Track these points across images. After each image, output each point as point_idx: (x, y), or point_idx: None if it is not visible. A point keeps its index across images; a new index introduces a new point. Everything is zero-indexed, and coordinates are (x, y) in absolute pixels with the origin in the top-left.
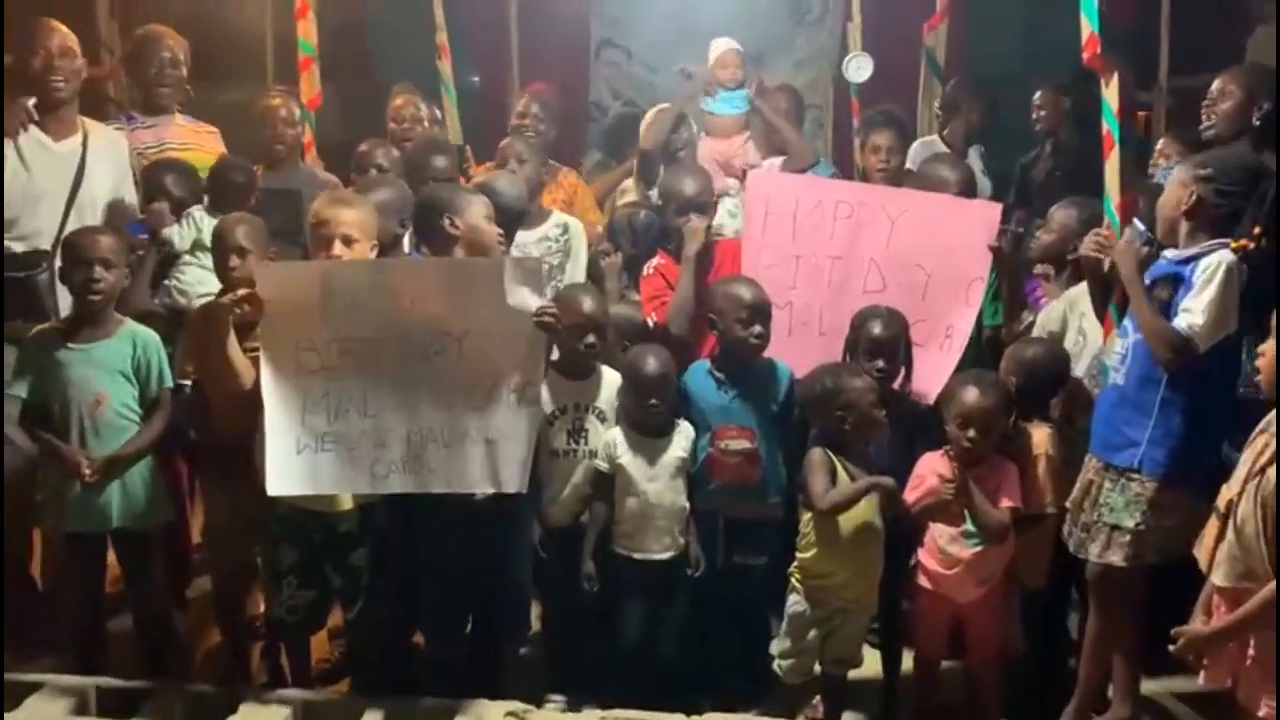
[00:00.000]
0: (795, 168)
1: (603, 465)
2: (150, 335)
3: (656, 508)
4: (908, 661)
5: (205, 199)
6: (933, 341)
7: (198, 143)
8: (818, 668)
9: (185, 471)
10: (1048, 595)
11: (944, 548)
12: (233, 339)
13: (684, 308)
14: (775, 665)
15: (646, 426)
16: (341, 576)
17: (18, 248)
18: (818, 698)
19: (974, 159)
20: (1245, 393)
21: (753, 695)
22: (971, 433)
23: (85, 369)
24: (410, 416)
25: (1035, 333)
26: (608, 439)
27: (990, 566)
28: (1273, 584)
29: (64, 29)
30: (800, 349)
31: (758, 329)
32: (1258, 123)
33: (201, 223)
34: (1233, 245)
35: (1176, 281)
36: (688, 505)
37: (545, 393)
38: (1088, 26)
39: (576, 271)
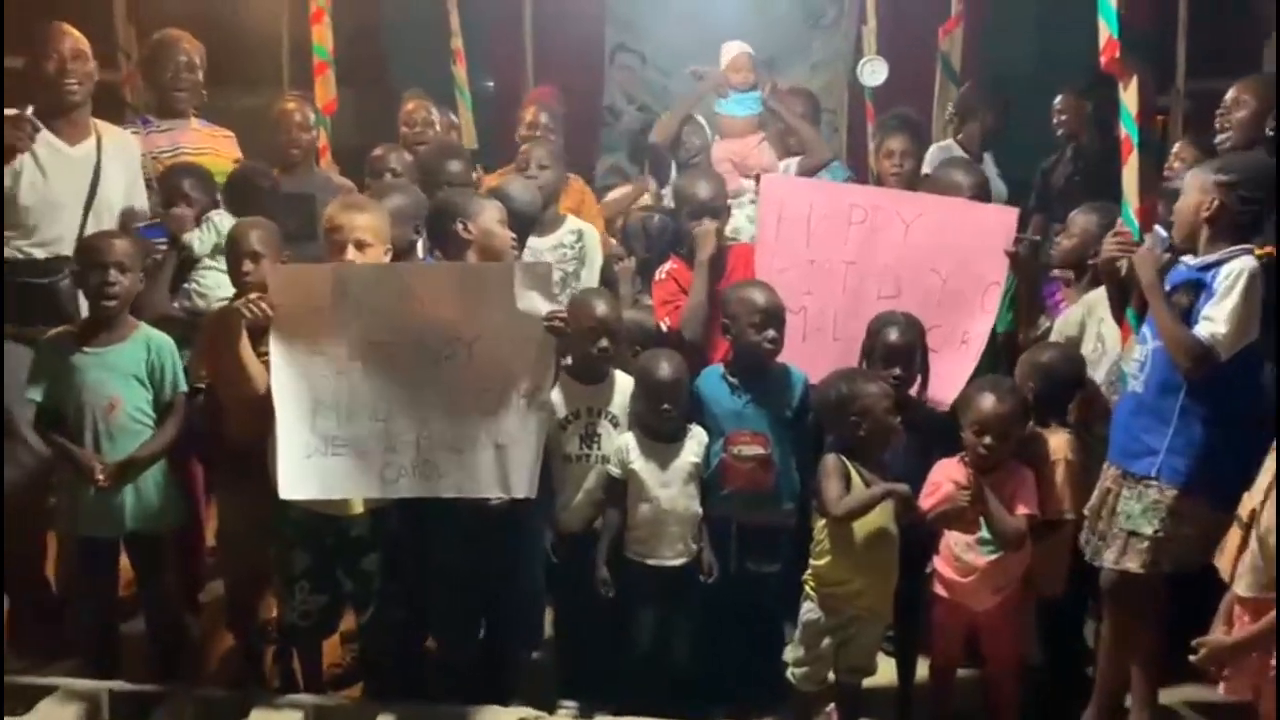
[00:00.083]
0: (812, 165)
1: (615, 471)
2: (164, 339)
3: (669, 513)
4: (923, 669)
5: (230, 204)
6: (948, 347)
7: (213, 147)
8: (832, 676)
9: (200, 475)
10: (1065, 603)
11: (960, 555)
12: (245, 343)
13: (697, 313)
14: (789, 673)
15: (659, 432)
16: (353, 581)
17: (39, 254)
18: (831, 706)
19: (988, 164)
20: None
21: (766, 703)
22: (988, 439)
23: (100, 373)
24: (420, 421)
25: (1053, 338)
26: (620, 444)
27: (1006, 574)
28: None
29: (75, 32)
30: (814, 354)
31: (771, 334)
32: (1271, 133)
33: (221, 227)
34: (1257, 252)
35: (1198, 288)
36: (700, 511)
37: (558, 397)
38: (1106, 30)
39: (591, 278)
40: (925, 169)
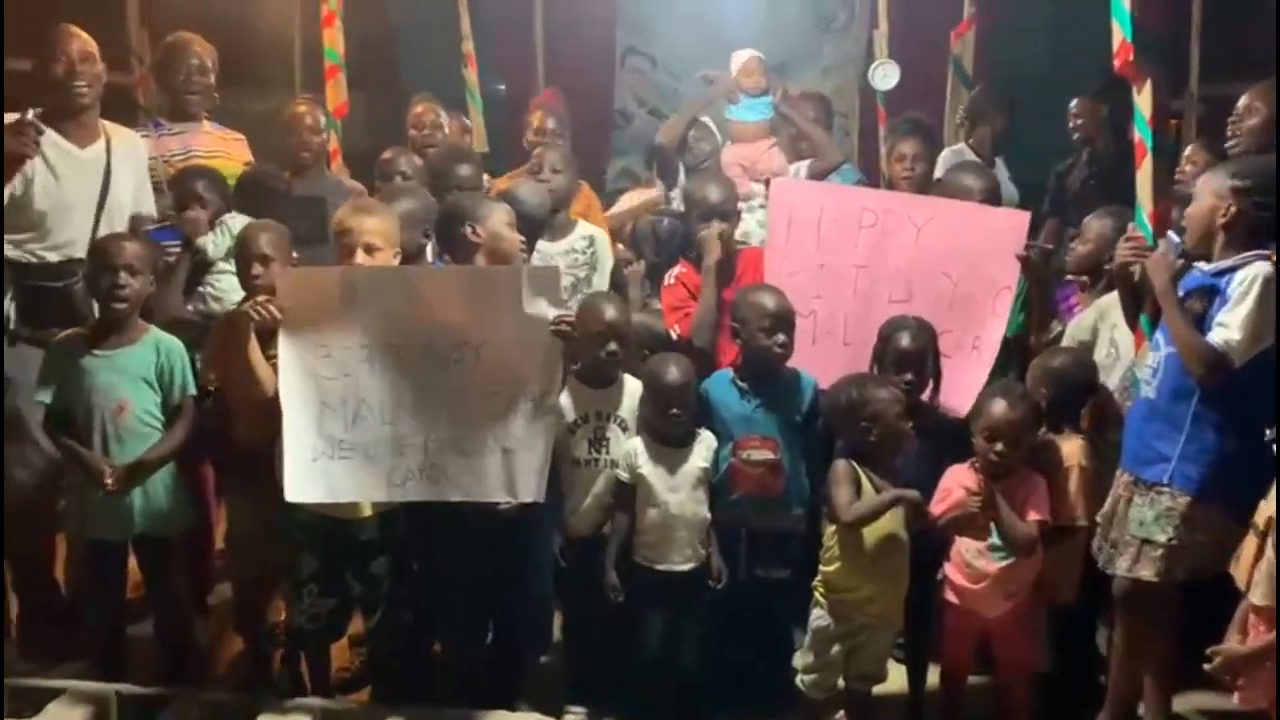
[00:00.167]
0: (823, 168)
1: (623, 475)
2: (173, 342)
3: (677, 518)
4: (933, 676)
5: (244, 206)
6: (960, 352)
7: (225, 150)
8: (841, 682)
9: (211, 478)
10: (1077, 610)
11: (971, 561)
12: (254, 346)
13: (707, 320)
14: (798, 679)
15: (667, 436)
16: (362, 584)
17: (52, 257)
18: (841, 713)
19: (999, 168)
20: None
21: (775, 710)
22: (999, 446)
23: (109, 375)
24: (428, 424)
25: (1065, 343)
26: (628, 449)
27: (1018, 580)
28: None
29: (84, 34)
30: (824, 359)
31: (781, 338)
32: None
33: (235, 230)
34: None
35: (1212, 293)
36: (709, 516)
37: (566, 401)
38: (1119, 33)
39: (602, 283)
40: (937, 173)
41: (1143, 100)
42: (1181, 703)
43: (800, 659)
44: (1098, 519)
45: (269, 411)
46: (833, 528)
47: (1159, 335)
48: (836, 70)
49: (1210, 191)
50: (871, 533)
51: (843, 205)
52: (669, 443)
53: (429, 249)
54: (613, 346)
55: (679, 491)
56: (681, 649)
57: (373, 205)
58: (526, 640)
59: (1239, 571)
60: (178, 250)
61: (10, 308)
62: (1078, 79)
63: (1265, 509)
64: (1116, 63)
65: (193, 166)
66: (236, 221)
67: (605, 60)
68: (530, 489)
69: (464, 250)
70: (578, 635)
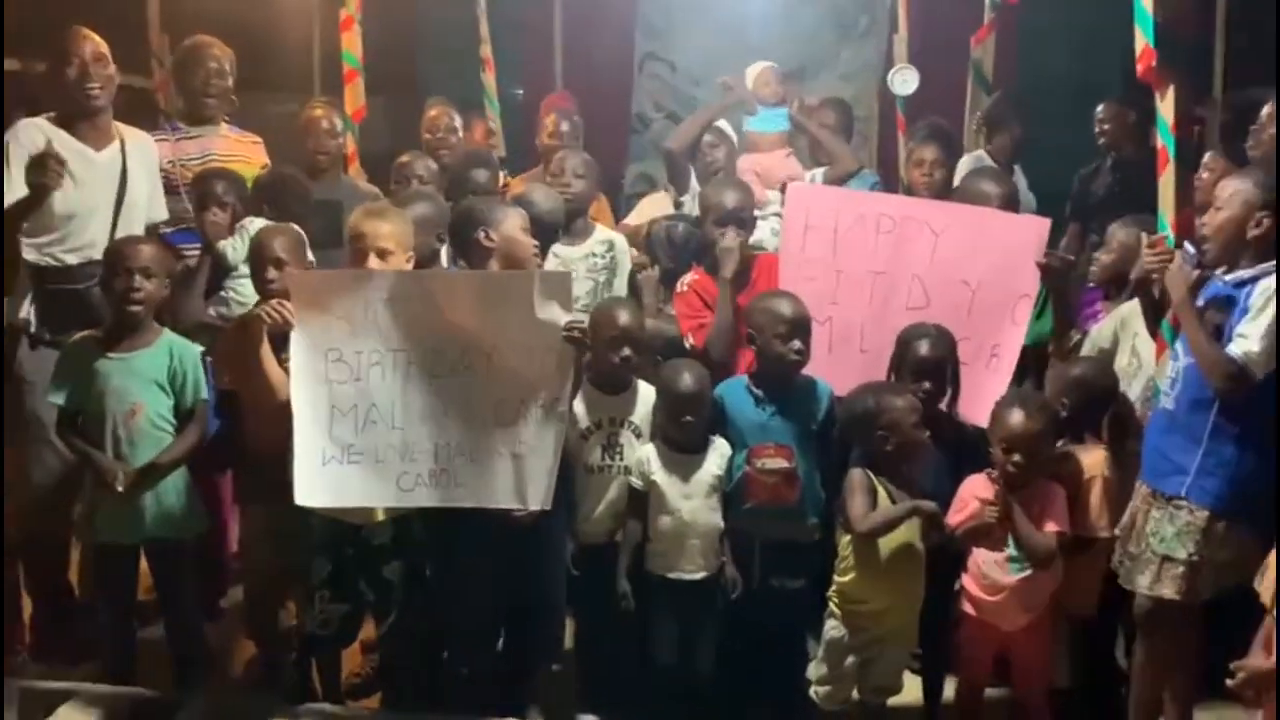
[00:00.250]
0: (838, 175)
1: (636, 482)
2: (187, 346)
3: (690, 526)
4: (950, 689)
5: (265, 209)
6: (978, 360)
7: (243, 153)
8: (856, 694)
9: (227, 482)
10: (1097, 622)
11: (988, 573)
12: (266, 350)
13: (724, 332)
14: (811, 691)
15: (681, 443)
16: (374, 590)
17: (71, 259)
18: None
19: (1017, 176)
20: None
21: None
22: (1016, 457)
23: (123, 378)
24: (438, 429)
25: (1085, 351)
26: (641, 455)
27: (1037, 593)
28: None
29: (95, 36)
30: (840, 366)
31: (797, 345)
32: None
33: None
34: None
35: (1231, 304)
36: (722, 525)
37: (580, 407)
38: (1142, 39)
39: (622, 288)
40: (955, 180)
41: (1165, 107)
42: (1203, 717)
43: (814, 670)
44: (1117, 531)
45: (282, 415)
46: (848, 538)
47: (1178, 345)
48: (856, 76)
49: (1241, 201)
50: (887, 543)
51: (860, 210)
52: (683, 450)
53: (443, 253)
54: (626, 352)
55: (692, 499)
56: (693, 659)
57: (386, 210)
58: (538, 647)
59: (1264, 588)
60: (195, 253)
61: (30, 311)
62: (1100, 84)
63: None
64: (1139, 68)
65: (212, 169)
66: (256, 225)
67: (624, 65)
68: (539, 496)
69: (478, 255)
70: (589, 643)
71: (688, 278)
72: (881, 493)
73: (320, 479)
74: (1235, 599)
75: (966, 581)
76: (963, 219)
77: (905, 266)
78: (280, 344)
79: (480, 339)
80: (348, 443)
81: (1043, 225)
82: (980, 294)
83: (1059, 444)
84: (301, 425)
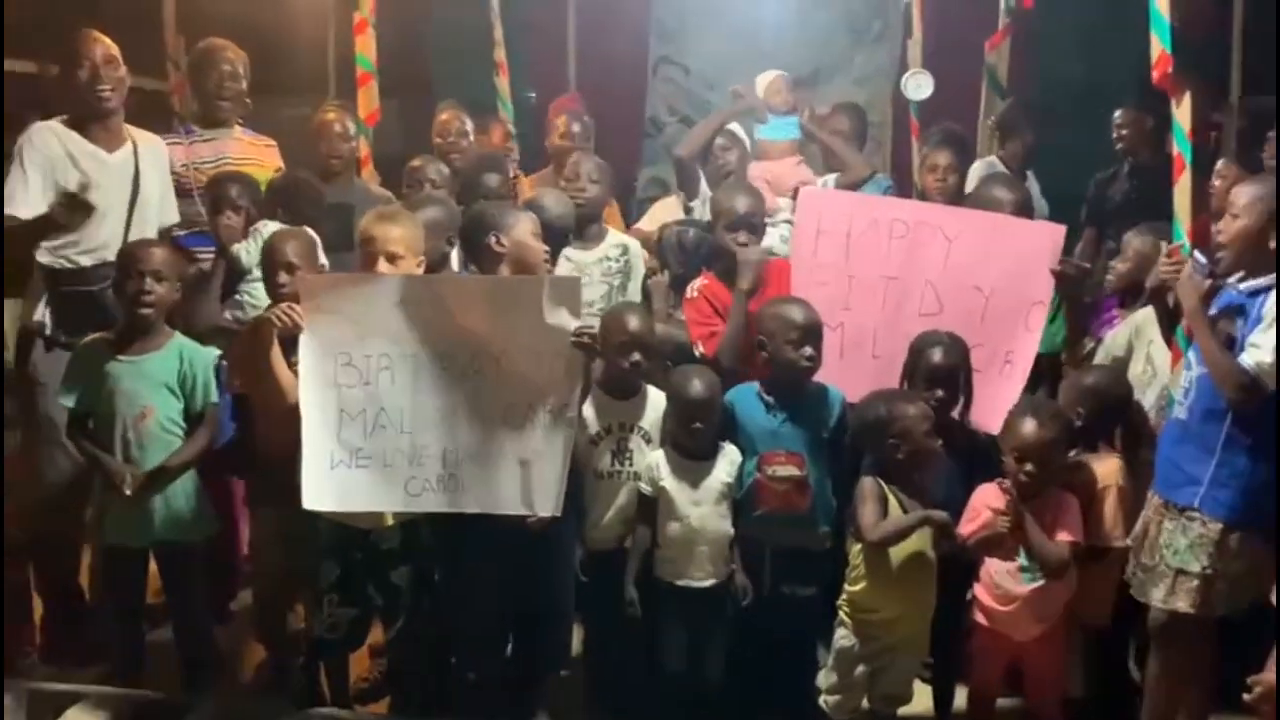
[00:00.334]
0: (849, 182)
1: (645, 488)
2: (197, 349)
3: (699, 533)
4: (961, 698)
5: (280, 212)
6: (991, 367)
7: (257, 157)
8: (866, 703)
9: (239, 485)
10: (1111, 632)
11: (1000, 582)
12: (277, 353)
13: (735, 342)
14: (821, 700)
15: (691, 450)
16: (382, 595)
17: (86, 261)
18: None
19: (1030, 181)
20: None
21: None
22: (1029, 466)
23: (133, 381)
24: (447, 434)
25: (1099, 358)
26: (650, 461)
27: (1049, 603)
28: None
29: (106, 39)
30: (852, 371)
31: (809, 351)
32: None
33: None
34: None
35: (1244, 313)
36: (731, 532)
37: (590, 412)
38: (1158, 45)
39: (636, 292)
40: (968, 186)
41: (1181, 113)
42: None
43: (824, 679)
44: (1129, 541)
45: (292, 419)
46: (858, 546)
47: (1190, 354)
48: (870, 80)
49: (1261, 211)
50: (898, 553)
51: (873, 215)
52: (692, 456)
53: (453, 257)
54: (636, 357)
55: (701, 506)
56: (702, 666)
57: (396, 214)
58: (546, 653)
59: None
60: (208, 256)
61: (45, 313)
62: (1115, 89)
63: None
64: (1155, 75)
65: (226, 173)
66: (270, 229)
67: (637, 69)
68: (547, 503)
69: (489, 259)
70: (598, 650)
71: (697, 283)
72: (892, 501)
73: (328, 483)
74: (1251, 611)
75: (978, 591)
76: (977, 224)
77: (918, 272)
78: (291, 347)
79: (490, 343)
80: (356, 446)
81: (1057, 231)
82: (994, 300)
83: (1072, 453)
84: (310, 429)
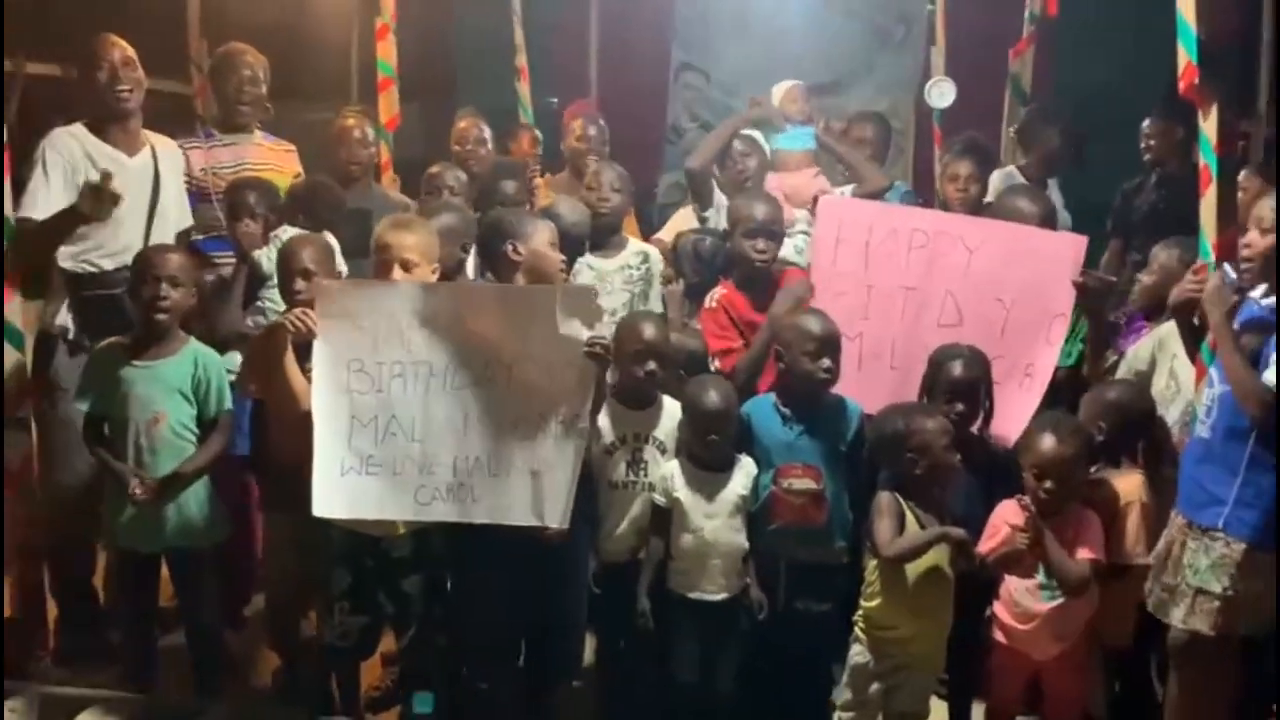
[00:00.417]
0: (866, 193)
1: (660, 499)
2: (212, 355)
3: (713, 546)
4: (978, 715)
5: (300, 218)
6: (1011, 380)
7: (277, 162)
8: None
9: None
10: (1133, 651)
11: (1019, 600)
12: (290, 358)
13: (756, 364)
14: (835, 717)
15: (706, 461)
16: (394, 603)
17: (107, 265)
18: None
19: (1053, 191)
20: None
21: None
22: (1048, 484)
23: (147, 386)
24: (458, 443)
25: (1121, 372)
26: (665, 472)
27: (1070, 621)
28: None
29: (123, 42)
30: (870, 382)
31: (826, 363)
32: None
33: None
34: None
35: (1268, 327)
36: (746, 545)
37: (605, 422)
38: (1185, 55)
39: (657, 300)
40: (989, 197)
41: (1208, 125)
42: None
43: (838, 696)
44: (1151, 559)
45: (304, 425)
46: (874, 562)
47: (1213, 371)
48: (892, 88)
49: None
50: (914, 569)
51: (893, 225)
52: (708, 468)
53: (469, 264)
54: (651, 366)
55: (715, 518)
56: (715, 679)
57: (411, 221)
58: (558, 664)
59: None
60: (226, 261)
61: (68, 318)
62: (1141, 98)
63: None
64: (1181, 85)
65: (244, 179)
66: (290, 234)
67: (659, 75)
68: (557, 514)
69: (505, 267)
70: (610, 661)
71: (717, 292)
72: (909, 517)
73: (338, 490)
74: (1275, 631)
75: (998, 609)
76: (998, 235)
77: (938, 282)
78: (305, 353)
79: (502, 352)
80: (367, 454)
81: (1079, 243)
82: (1014, 312)
83: (1094, 469)
84: (321, 435)
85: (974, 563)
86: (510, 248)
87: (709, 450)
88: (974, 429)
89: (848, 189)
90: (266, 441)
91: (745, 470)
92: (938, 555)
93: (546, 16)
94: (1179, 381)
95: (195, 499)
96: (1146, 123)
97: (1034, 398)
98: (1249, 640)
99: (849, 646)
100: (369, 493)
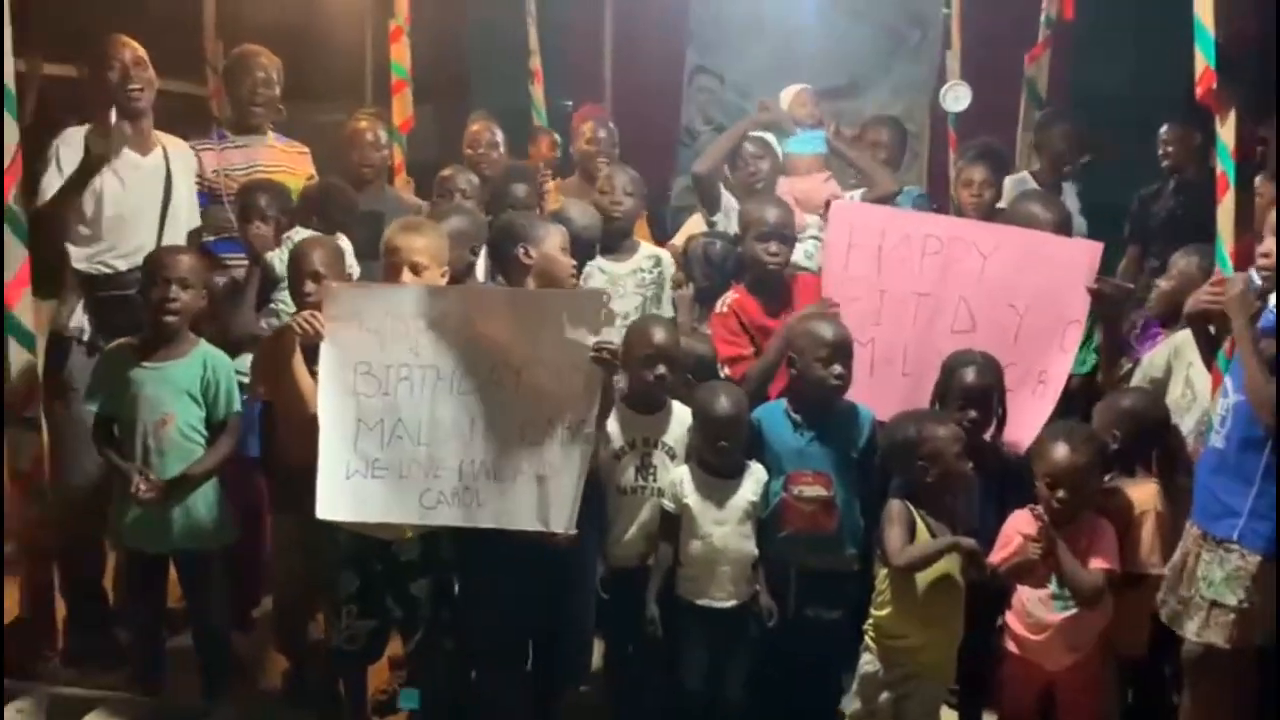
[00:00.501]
0: (876, 197)
1: (669, 505)
2: (221, 357)
3: (722, 553)
4: None
5: (314, 220)
6: (1024, 387)
7: (289, 164)
8: None
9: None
10: (1149, 663)
11: (1031, 610)
12: (299, 360)
13: (768, 373)
14: None
15: (716, 467)
16: (401, 607)
17: (122, 265)
18: None
19: (1069, 196)
20: None
21: None
22: (1061, 493)
23: (155, 388)
24: (464, 447)
25: (1136, 380)
26: (675, 477)
27: (1083, 632)
28: None
29: (134, 43)
30: (882, 388)
31: (838, 369)
32: None
33: None
34: None
35: None
36: (755, 552)
37: (614, 427)
38: (1202, 60)
39: (669, 305)
40: (1002, 202)
41: (1226, 131)
42: None
43: (848, 704)
44: (1166, 570)
45: (312, 427)
46: (885, 570)
47: (1228, 381)
48: (907, 91)
49: None
50: (924, 578)
51: (906, 230)
52: (718, 474)
53: (480, 267)
54: (661, 370)
55: (725, 525)
56: (723, 687)
57: (421, 224)
58: (566, 669)
59: None
60: (237, 262)
61: (84, 320)
62: (1158, 103)
63: None
64: (1199, 91)
65: (255, 182)
66: (303, 236)
67: (673, 77)
68: (562, 519)
69: (516, 271)
70: (619, 667)
71: (729, 297)
72: (920, 525)
73: (343, 493)
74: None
75: (1010, 619)
76: (1012, 241)
77: (952, 288)
78: (315, 356)
79: (510, 356)
80: (372, 457)
81: (1094, 249)
82: (1028, 318)
83: (1108, 477)
84: (327, 438)
85: (985, 572)
86: (522, 251)
87: (719, 456)
88: (986, 436)
89: (858, 193)
90: (275, 444)
91: (755, 477)
92: (949, 564)
93: (561, 18)
94: (1195, 390)
95: (203, 501)
96: (1164, 129)
97: (1047, 405)
98: (1264, 652)
99: (859, 655)
100: (374, 496)
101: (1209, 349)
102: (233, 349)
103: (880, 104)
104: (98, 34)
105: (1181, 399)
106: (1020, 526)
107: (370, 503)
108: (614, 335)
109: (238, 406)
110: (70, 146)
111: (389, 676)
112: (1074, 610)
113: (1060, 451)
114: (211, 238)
